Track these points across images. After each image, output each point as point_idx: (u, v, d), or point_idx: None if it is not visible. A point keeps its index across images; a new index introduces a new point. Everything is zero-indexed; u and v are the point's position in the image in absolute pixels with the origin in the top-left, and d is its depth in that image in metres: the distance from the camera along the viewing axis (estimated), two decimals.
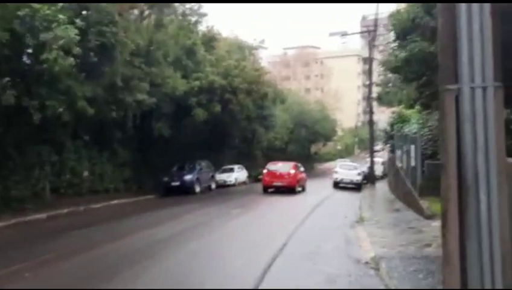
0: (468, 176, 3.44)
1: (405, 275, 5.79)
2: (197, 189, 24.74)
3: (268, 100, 32.78)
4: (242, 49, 34.10)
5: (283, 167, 24.57)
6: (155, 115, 27.69)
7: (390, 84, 37.33)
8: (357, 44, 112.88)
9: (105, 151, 23.38)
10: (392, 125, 22.57)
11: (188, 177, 24.44)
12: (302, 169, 26.30)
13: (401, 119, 21.70)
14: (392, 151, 22.91)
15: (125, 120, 25.44)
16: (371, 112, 31.79)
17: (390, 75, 38.29)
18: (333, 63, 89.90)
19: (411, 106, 16.97)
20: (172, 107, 25.83)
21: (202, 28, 30.69)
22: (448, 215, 3.62)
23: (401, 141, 18.22)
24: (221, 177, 31.72)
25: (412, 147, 14.39)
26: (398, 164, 19.80)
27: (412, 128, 15.68)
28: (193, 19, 29.11)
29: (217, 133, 33.37)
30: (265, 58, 55.61)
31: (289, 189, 22.40)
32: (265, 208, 17.28)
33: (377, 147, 74.31)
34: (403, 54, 12.36)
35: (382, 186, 29.57)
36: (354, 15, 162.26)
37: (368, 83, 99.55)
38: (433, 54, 11.92)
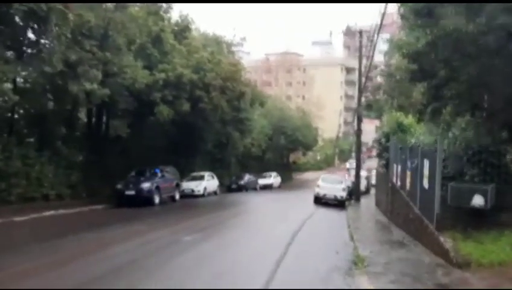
0: None
1: None
2: (156, 200, 20.92)
3: (245, 101, 29.17)
4: (220, 45, 30.47)
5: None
6: (112, 111, 23.91)
7: (380, 91, 34.52)
8: (340, 53, 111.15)
9: (46, 150, 19.38)
10: (387, 135, 19.30)
11: (145, 185, 20.59)
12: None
13: (399, 129, 18.46)
14: (386, 165, 19.62)
15: (73, 114, 21.61)
16: (359, 120, 28.53)
17: (380, 79, 35.52)
18: (316, 71, 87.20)
19: (419, 112, 13.63)
20: (132, 103, 22.02)
21: (175, 16, 27.13)
22: None
23: (403, 154, 14.88)
24: (188, 185, 28.00)
25: (426, 162, 11.00)
26: (396, 182, 16.48)
27: (423, 139, 12.34)
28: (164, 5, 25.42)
29: (186, 136, 29.62)
30: (247, 62, 52.20)
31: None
32: (229, 233, 13.56)
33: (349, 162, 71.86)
34: (427, 36, 8.94)
35: (368, 204, 26.36)
36: (338, 25, 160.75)
37: (350, 93, 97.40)
38: (470, 35, 8.72)
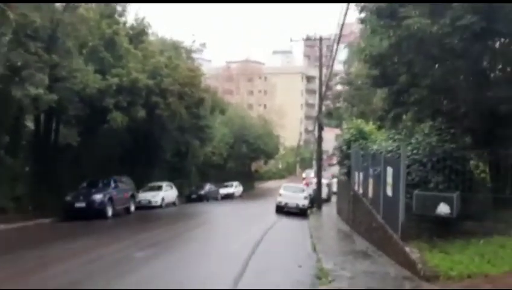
0: None
1: None
2: (109, 212, 19.72)
3: (205, 108, 28.36)
4: (178, 50, 29.52)
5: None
6: (62, 119, 22.58)
7: (340, 99, 34.65)
8: (300, 62, 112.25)
9: None
10: (348, 142, 19.03)
11: (97, 197, 19.39)
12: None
13: (361, 136, 18.24)
14: (348, 173, 19.34)
15: (19, 122, 20.15)
16: (320, 128, 28.35)
17: (340, 87, 35.77)
18: (277, 80, 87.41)
19: (381, 119, 13.33)
20: (84, 109, 20.82)
21: (131, 20, 26.07)
22: None
23: (365, 162, 14.57)
24: (145, 196, 26.83)
25: (390, 170, 10.64)
26: (358, 190, 16.15)
27: (386, 145, 12.00)
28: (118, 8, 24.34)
29: (143, 145, 28.53)
30: (208, 70, 51.32)
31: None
32: (185, 247, 12.69)
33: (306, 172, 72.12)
34: (391, 38, 8.57)
35: (329, 212, 26.12)
36: (298, 35, 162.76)
37: (310, 102, 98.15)
38: (434, 36, 8.39)
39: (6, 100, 16.39)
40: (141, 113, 21.42)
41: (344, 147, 19.72)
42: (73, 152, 24.58)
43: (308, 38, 30.04)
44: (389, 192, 10.90)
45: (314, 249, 12.24)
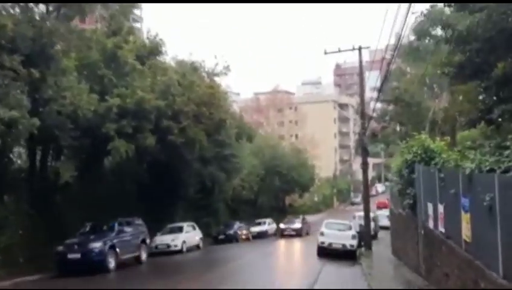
0: None
1: None
2: (111, 264, 15.84)
3: (228, 134, 24.43)
4: (196, 71, 25.87)
5: None
6: (60, 151, 19.20)
7: (387, 118, 30.24)
8: (331, 91, 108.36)
9: None
10: (411, 165, 14.59)
11: (94, 245, 15.58)
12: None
13: (427, 156, 13.78)
14: (413, 205, 14.77)
15: (2, 156, 16.78)
16: (365, 152, 23.88)
17: (386, 106, 31.50)
18: (308, 110, 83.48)
19: (473, 123, 8.97)
20: (81, 139, 17.29)
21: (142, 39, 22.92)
22: None
23: (451, 188, 10.10)
24: (163, 240, 22.96)
25: None
26: (436, 228, 11.61)
27: (493, 161, 7.59)
28: (126, 24, 21.25)
29: (161, 179, 24.66)
30: (236, 103, 47.78)
31: None
32: None
33: (357, 199, 66.36)
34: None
35: (382, 253, 21.41)
36: (327, 64, 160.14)
37: (344, 130, 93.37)
38: None
39: None
40: (150, 140, 17.69)
41: (405, 171, 15.21)
42: (77, 190, 21.04)
43: (342, 51, 25.40)
44: None
45: None
